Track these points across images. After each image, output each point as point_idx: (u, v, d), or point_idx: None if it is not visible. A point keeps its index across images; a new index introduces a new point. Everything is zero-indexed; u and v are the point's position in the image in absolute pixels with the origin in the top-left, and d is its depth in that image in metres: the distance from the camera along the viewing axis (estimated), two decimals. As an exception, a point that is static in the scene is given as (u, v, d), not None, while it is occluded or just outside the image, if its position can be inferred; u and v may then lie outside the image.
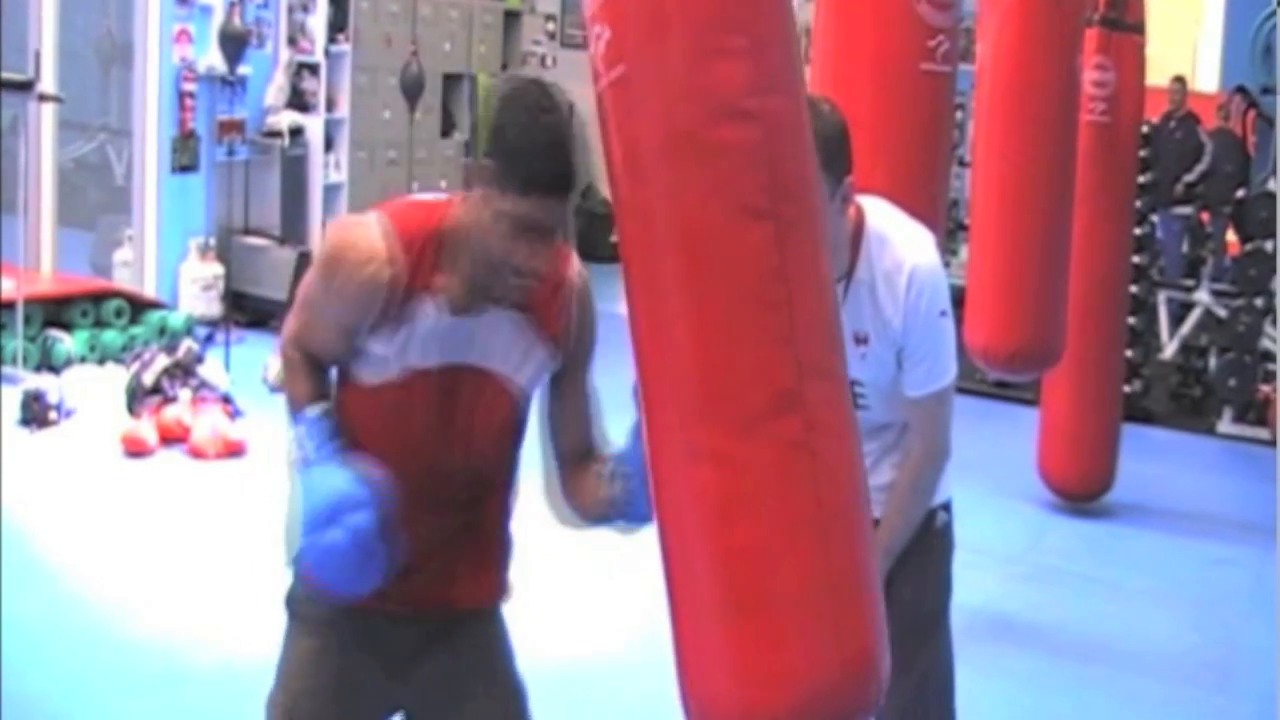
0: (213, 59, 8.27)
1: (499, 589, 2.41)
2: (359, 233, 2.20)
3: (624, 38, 1.92)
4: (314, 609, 2.32)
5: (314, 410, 2.23)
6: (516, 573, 2.47)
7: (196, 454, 6.13)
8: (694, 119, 1.89)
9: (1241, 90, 9.46)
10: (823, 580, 1.92)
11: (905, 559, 2.85)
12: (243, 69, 8.33)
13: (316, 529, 2.11)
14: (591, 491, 2.27)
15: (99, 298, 7.44)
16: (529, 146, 2.06)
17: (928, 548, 2.89)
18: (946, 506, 2.94)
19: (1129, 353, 7.72)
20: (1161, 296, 9.25)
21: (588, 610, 4.76)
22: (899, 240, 2.71)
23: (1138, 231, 7.68)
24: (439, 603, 2.34)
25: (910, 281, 2.66)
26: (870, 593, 1.98)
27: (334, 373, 2.33)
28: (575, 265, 2.31)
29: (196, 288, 8.27)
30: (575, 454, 2.31)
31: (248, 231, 8.60)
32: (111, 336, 7.29)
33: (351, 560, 2.11)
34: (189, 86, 8.27)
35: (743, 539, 1.91)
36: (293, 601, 2.38)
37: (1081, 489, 6.28)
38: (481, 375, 2.26)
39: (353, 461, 2.17)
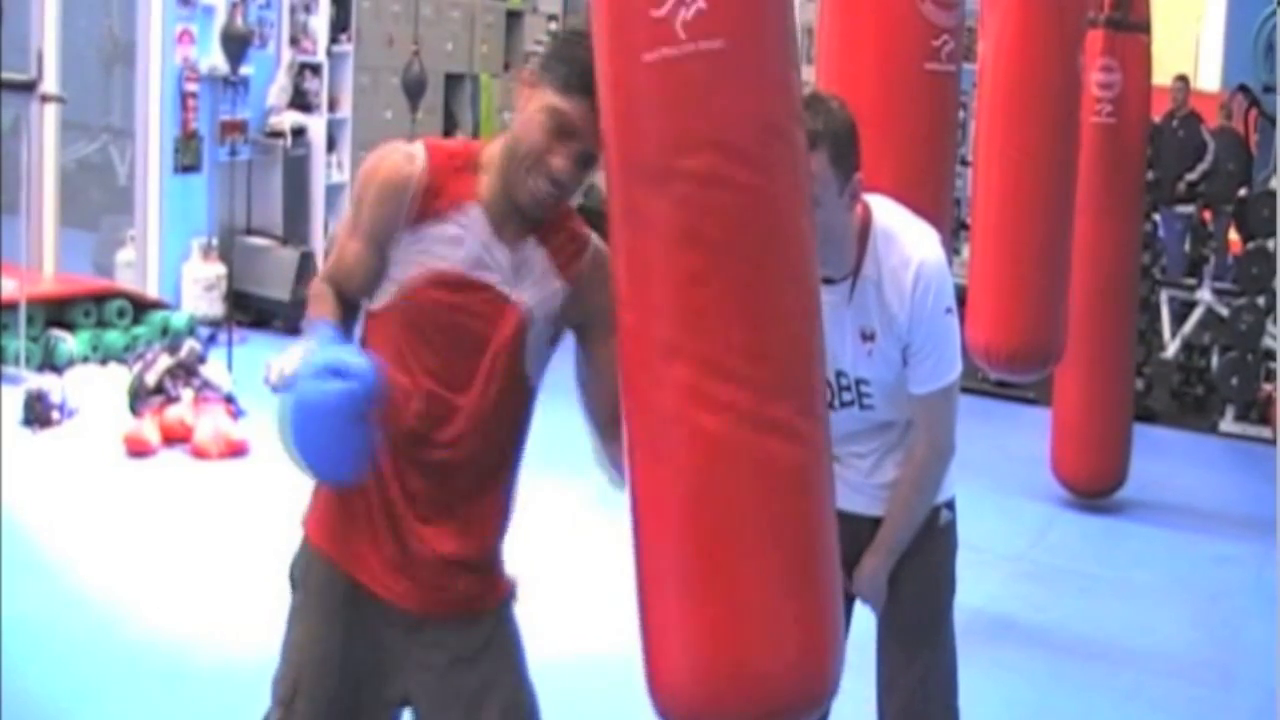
0: (215, 59, 8.28)
1: (504, 588, 2.42)
2: (392, 146, 2.33)
3: (724, 10, 1.92)
4: (319, 577, 2.34)
5: (327, 323, 2.27)
6: (527, 566, 2.48)
7: (199, 454, 6.13)
8: (781, 113, 1.98)
9: (1243, 89, 9.47)
10: (784, 576, 1.96)
11: (909, 557, 2.86)
12: (245, 69, 8.32)
13: (308, 378, 2.10)
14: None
15: (101, 298, 7.45)
16: (574, 54, 2.16)
17: (931, 546, 2.90)
18: (950, 505, 2.95)
19: (1131, 351, 7.74)
20: (1164, 295, 9.26)
21: (598, 602, 4.76)
22: (905, 237, 2.72)
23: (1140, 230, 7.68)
24: (442, 599, 2.35)
25: (917, 278, 2.68)
26: (830, 593, 2.03)
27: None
28: (593, 234, 2.36)
29: (199, 288, 8.27)
30: (610, 418, 2.28)
31: (250, 231, 8.60)
32: (114, 337, 7.30)
33: (335, 424, 2.09)
34: (191, 87, 8.28)
35: (713, 525, 1.95)
36: (296, 569, 2.39)
37: (1093, 486, 6.30)
38: (500, 299, 2.28)
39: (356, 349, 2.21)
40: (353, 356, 2.13)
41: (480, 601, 2.38)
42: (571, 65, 2.16)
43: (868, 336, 2.72)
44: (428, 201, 2.25)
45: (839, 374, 2.77)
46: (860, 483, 2.86)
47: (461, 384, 2.27)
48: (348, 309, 2.35)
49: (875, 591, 2.87)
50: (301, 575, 2.39)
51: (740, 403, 1.94)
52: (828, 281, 2.70)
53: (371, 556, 2.32)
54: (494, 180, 2.25)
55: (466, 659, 2.36)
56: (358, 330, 2.36)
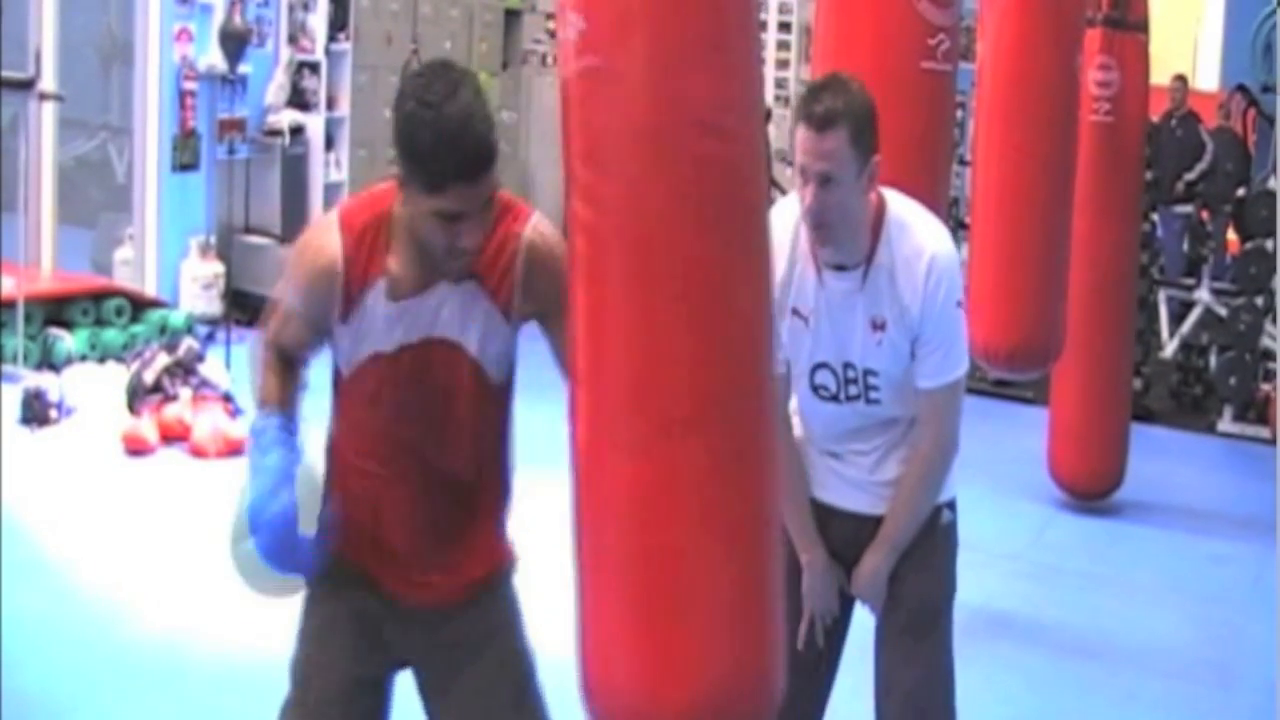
0: (213, 57, 8.27)
1: (502, 563, 2.46)
2: (315, 232, 2.38)
3: (600, 30, 1.96)
4: (331, 567, 2.39)
5: (267, 409, 2.37)
6: (524, 559, 2.51)
7: (197, 452, 6.13)
8: (666, 122, 1.94)
9: (1242, 89, 9.46)
10: (727, 587, 1.97)
11: (909, 556, 2.85)
12: (243, 67, 8.32)
13: (255, 506, 2.28)
14: None
15: (100, 296, 7.44)
16: (422, 148, 2.14)
17: (932, 545, 2.89)
18: (951, 505, 2.94)
19: (1129, 351, 7.73)
20: (1162, 295, 9.25)
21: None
22: (919, 228, 2.73)
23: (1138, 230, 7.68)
24: (439, 595, 2.40)
25: (930, 268, 2.68)
26: (772, 606, 2.04)
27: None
28: (532, 221, 2.34)
29: (197, 286, 8.26)
30: None
31: (248, 230, 8.60)
32: (112, 335, 7.29)
33: (281, 537, 2.25)
34: (190, 85, 8.27)
35: (659, 538, 1.96)
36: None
37: (1091, 487, 6.28)
38: (443, 348, 2.31)
39: (290, 448, 2.31)
40: (282, 466, 2.28)
41: (483, 584, 2.43)
42: (428, 165, 2.15)
43: (878, 326, 2.72)
44: (357, 287, 2.29)
45: (846, 365, 2.76)
46: (862, 481, 2.86)
47: (433, 421, 2.34)
48: (295, 369, 2.44)
49: (875, 590, 2.86)
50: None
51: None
52: (841, 268, 2.71)
53: (381, 566, 2.40)
54: (405, 259, 2.28)
55: (468, 624, 2.42)
56: (330, 387, 2.43)
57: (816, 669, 2.97)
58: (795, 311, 2.76)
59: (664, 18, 1.94)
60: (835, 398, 2.81)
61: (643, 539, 1.97)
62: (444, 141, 2.10)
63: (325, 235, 2.31)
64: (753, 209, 2.03)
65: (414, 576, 2.39)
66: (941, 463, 2.82)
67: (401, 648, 2.45)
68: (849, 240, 2.68)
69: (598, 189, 1.98)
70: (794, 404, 2.90)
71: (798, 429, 2.91)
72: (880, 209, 2.71)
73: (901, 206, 2.75)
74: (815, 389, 2.81)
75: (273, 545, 2.26)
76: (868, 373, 2.76)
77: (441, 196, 2.14)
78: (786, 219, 2.76)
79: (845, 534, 2.88)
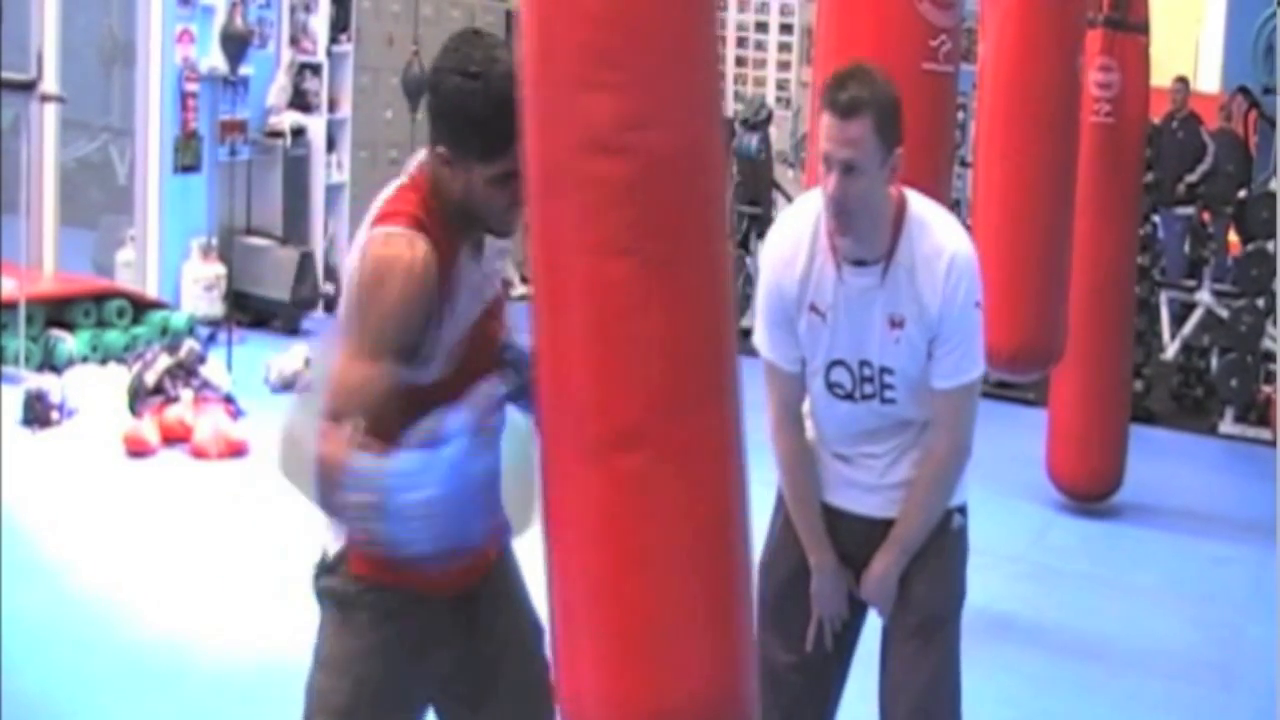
0: (215, 59, 8.27)
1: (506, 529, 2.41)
2: (388, 244, 2.17)
3: (518, 61, 2.00)
4: (371, 596, 2.31)
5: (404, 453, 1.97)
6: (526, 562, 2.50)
7: (198, 454, 6.13)
8: (565, 149, 1.94)
9: (1243, 90, 9.46)
10: (689, 605, 1.97)
11: (919, 559, 2.84)
12: (245, 69, 8.33)
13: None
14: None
15: (101, 297, 7.44)
16: (477, 118, 2.15)
17: (941, 549, 2.88)
18: (962, 510, 2.92)
19: (1131, 352, 7.72)
20: (1163, 296, 9.25)
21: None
22: (940, 227, 2.73)
23: (1139, 232, 7.67)
24: (474, 576, 2.39)
25: (950, 267, 2.69)
26: (740, 624, 2.02)
27: None
28: None
29: (198, 288, 8.26)
30: None
31: (250, 231, 8.60)
32: (113, 336, 7.29)
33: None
34: (191, 86, 8.27)
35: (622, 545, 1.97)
36: (338, 590, 2.34)
37: (1090, 489, 6.27)
38: (494, 304, 2.37)
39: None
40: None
41: (497, 550, 2.43)
42: (484, 133, 2.15)
43: (897, 323, 2.71)
44: (443, 274, 2.21)
45: (863, 363, 2.75)
46: (873, 484, 2.85)
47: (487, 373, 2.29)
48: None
49: (885, 593, 2.86)
50: (348, 593, 2.33)
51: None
52: (860, 264, 2.71)
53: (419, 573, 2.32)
54: (470, 226, 2.26)
55: (486, 608, 2.42)
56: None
57: (825, 672, 2.96)
58: (813, 307, 2.75)
59: (562, 39, 1.93)
60: (850, 396, 2.79)
61: (606, 548, 1.98)
62: (497, 106, 2.10)
63: (414, 254, 2.15)
64: (681, 218, 1.98)
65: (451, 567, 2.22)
66: (955, 465, 2.82)
67: (438, 656, 2.39)
68: (870, 232, 2.67)
69: (530, 216, 2.05)
70: (806, 406, 2.89)
71: (810, 431, 2.90)
72: (902, 206, 2.71)
73: (923, 205, 2.75)
74: (830, 386, 2.80)
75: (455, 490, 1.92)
76: (884, 371, 2.75)
77: (501, 159, 2.15)
78: (806, 215, 2.76)
79: (855, 538, 2.88)
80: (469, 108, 2.15)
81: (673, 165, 1.95)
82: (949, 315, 2.69)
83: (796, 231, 2.77)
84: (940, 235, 2.71)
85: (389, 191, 2.31)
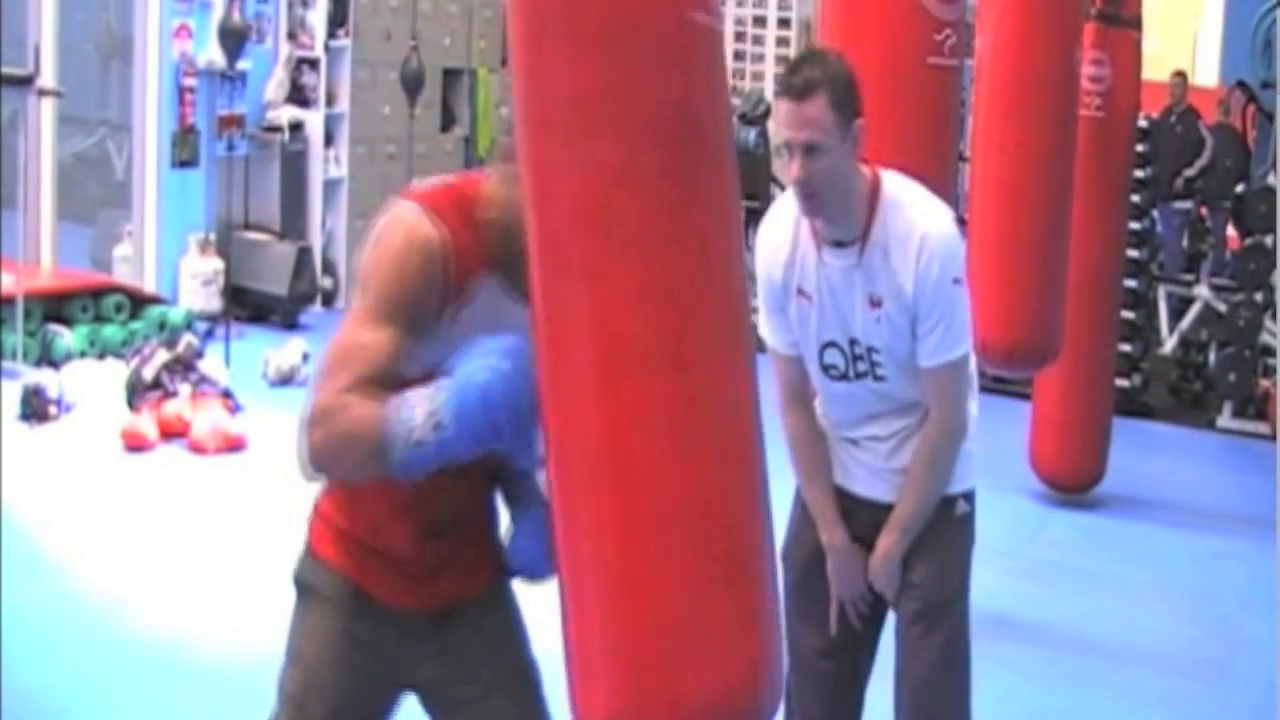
0: (212, 54, 8.28)
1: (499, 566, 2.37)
2: (401, 223, 2.05)
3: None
4: (327, 579, 2.29)
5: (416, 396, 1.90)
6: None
7: (196, 449, 6.13)
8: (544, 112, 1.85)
9: (1241, 85, 9.45)
10: (716, 587, 1.86)
11: (923, 545, 2.86)
12: (242, 64, 8.33)
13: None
14: None
15: (99, 293, 7.44)
16: None
17: (945, 535, 2.91)
18: (968, 496, 2.96)
19: (1129, 347, 7.72)
20: (1161, 291, 9.26)
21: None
22: (914, 207, 2.74)
23: (1137, 226, 7.68)
24: (451, 598, 2.32)
25: (922, 246, 2.69)
26: (767, 624, 1.92)
27: None
28: None
29: (196, 283, 8.27)
30: None
31: (248, 226, 8.60)
32: (111, 331, 7.29)
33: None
34: (189, 81, 8.27)
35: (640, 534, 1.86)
36: (302, 575, 2.34)
37: (1072, 481, 6.26)
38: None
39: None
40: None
41: (483, 579, 2.35)
42: None
43: (875, 303, 2.74)
44: (456, 277, 2.04)
45: (852, 341, 2.79)
46: (879, 467, 2.87)
47: None
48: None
49: (888, 574, 2.88)
50: (309, 580, 2.33)
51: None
52: (839, 245, 2.72)
53: (385, 574, 2.29)
54: (516, 249, 1.95)
55: (470, 638, 2.33)
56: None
57: (856, 652, 2.99)
58: (800, 291, 2.79)
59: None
60: (845, 376, 2.82)
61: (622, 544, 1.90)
62: None
63: (418, 222, 2.03)
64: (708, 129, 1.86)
65: (423, 581, 2.28)
66: (948, 445, 2.83)
67: (404, 667, 2.33)
68: (842, 213, 2.70)
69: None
70: (819, 396, 2.93)
71: (821, 417, 2.94)
72: (876, 186, 2.73)
73: (897, 185, 2.76)
74: (826, 369, 2.84)
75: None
76: (871, 349, 2.78)
77: None
78: (789, 207, 2.79)
79: (866, 522, 2.91)
80: None
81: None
82: (924, 294, 2.70)
83: (782, 219, 2.82)
84: (913, 214, 2.72)
85: (422, 183, 2.19)
